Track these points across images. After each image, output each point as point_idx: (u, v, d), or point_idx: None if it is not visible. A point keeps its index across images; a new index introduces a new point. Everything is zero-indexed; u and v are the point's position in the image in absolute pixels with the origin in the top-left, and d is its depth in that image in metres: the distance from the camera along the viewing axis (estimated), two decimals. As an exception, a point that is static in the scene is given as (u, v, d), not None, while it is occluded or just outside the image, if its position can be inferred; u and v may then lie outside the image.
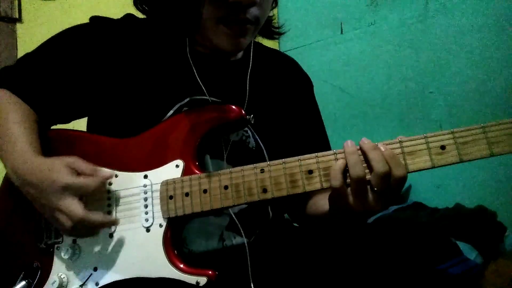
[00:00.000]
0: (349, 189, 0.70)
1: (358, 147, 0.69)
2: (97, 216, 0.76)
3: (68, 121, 0.96)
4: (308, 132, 1.02)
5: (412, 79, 1.98)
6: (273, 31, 1.03)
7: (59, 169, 0.76)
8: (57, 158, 0.79)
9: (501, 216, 1.59)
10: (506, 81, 1.68)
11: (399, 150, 0.68)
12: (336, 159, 0.70)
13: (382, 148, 0.68)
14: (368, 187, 0.69)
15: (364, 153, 0.69)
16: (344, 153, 0.70)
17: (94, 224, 0.76)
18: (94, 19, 0.93)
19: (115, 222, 0.79)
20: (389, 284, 1.04)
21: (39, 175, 0.76)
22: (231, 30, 0.84)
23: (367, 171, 0.68)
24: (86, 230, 0.77)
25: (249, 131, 0.90)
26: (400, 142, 0.68)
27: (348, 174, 0.69)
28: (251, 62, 0.96)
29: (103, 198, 0.82)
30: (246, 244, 0.84)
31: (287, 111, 0.99)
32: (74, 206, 0.74)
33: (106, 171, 0.81)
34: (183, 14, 0.84)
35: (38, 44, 0.93)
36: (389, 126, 2.06)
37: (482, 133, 0.65)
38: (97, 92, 0.88)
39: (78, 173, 0.77)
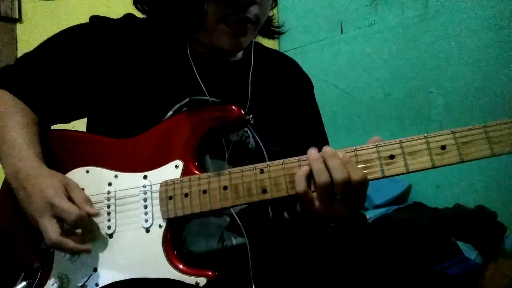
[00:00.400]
0: (315, 194, 0.71)
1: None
2: (70, 244, 0.75)
3: (68, 121, 0.96)
4: (308, 133, 1.01)
5: (412, 79, 1.98)
6: (273, 31, 1.02)
7: (55, 186, 0.77)
8: (59, 174, 0.80)
9: (501, 216, 1.59)
10: (506, 81, 1.68)
11: (399, 151, 0.68)
12: (300, 166, 0.72)
13: (340, 155, 0.70)
14: (333, 193, 0.70)
15: (324, 161, 0.70)
16: (308, 160, 0.71)
17: (67, 250, 0.77)
18: (94, 19, 0.93)
19: (88, 251, 0.78)
20: (390, 284, 1.04)
21: (33, 183, 0.77)
22: (231, 29, 0.84)
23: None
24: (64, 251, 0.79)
25: (249, 132, 0.90)
26: (400, 142, 0.68)
27: (312, 180, 0.71)
28: (252, 63, 0.96)
29: (102, 199, 0.82)
30: (247, 245, 0.84)
31: (288, 111, 0.99)
32: (50, 229, 0.74)
33: (95, 209, 0.79)
34: (186, 13, 0.84)
35: (38, 44, 0.93)
36: (389, 126, 2.06)
37: (483, 133, 0.65)
38: (97, 92, 0.88)
39: (70, 198, 0.78)
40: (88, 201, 0.79)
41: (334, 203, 0.71)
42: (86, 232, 0.79)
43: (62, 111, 0.92)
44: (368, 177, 0.69)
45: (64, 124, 0.97)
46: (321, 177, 0.69)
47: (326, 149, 0.71)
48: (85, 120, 0.97)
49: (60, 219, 0.75)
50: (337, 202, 0.71)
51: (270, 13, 0.97)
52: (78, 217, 0.75)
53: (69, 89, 0.89)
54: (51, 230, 0.74)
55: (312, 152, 0.71)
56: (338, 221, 0.76)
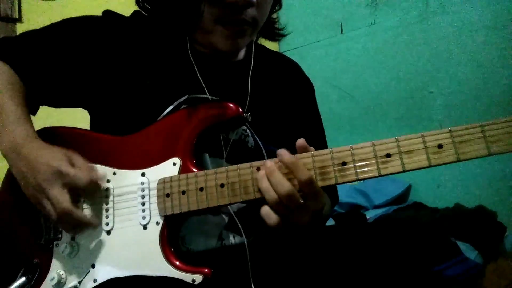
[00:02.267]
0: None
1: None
2: (80, 213, 0.76)
3: (57, 106, 0.95)
4: (306, 135, 1.02)
5: (412, 79, 1.98)
6: (275, 33, 1.03)
7: (57, 155, 0.76)
8: (57, 147, 0.79)
9: (501, 216, 1.59)
10: (506, 81, 1.68)
11: (395, 150, 0.68)
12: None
13: (286, 160, 0.68)
14: (285, 206, 0.69)
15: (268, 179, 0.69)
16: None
17: (78, 220, 0.76)
18: (107, 13, 0.93)
19: (96, 224, 0.79)
20: (389, 284, 1.04)
21: (36, 156, 0.76)
22: (228, 31, 0.84)
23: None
24: (70, 225, 0.77)
25: (248, 131, 0.90)
26: (397, 141, 0.68)
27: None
28: (252, 63, 0.96)
29: (100, 196, 0.82)
30: (246, 244, 0.84)
31: (287, 112, 0.99)
32: (61, 197, 0.74)
33: (101, 172, 0.80)
34: (183, 13, 0.84)
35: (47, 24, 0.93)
36: (389, 125, 2.06)
37: (480, 132, 0.64)
38: (96, 86, 0.89)
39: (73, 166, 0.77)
40: (92, 167, 0.80)
41: (292, 213, 0.70)
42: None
43: (54, 94, 0.91)
44: (365, 175, 0.69)
45: (63, 123, 0.97)
46: (270, 195, 0.69)
47: (266, 164, 0.70)
48: (84, 117, 0.97)
49: (69, 188, 0.75)
50: (296, 210, 0.69)
51: (274, 15, 0.97)
52: (89, 181, 0.76)
53: (67, 74, 0.89)
54: (63, 198, 0.74)
55: (260, 173, 0.70)
56: (303, 229, 0.74)
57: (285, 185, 0.67)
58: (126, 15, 0.96)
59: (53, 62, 0.88)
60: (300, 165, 0.68)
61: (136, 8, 0.94)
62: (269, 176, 0.69)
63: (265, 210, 0.70)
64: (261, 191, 0.70)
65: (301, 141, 0.71)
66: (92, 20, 0.92)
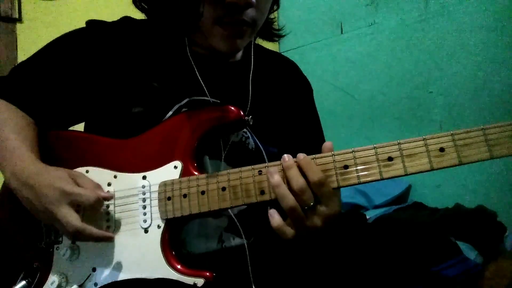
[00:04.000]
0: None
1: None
2: (93, 230, 0.75)
3: (65, 127, 0.95)
4: (306, 136, 1.02)
5: (412, 79, 1.98)
6: (273, 33, 1.02)
7: (61, 176, 0.76)
8: (60, 168, 0.79)
9: (501, 216, 1.59)
10: (506, 81, 1.68)
11: (397, 153, 0.67)
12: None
13: (301, 158, 0.69)
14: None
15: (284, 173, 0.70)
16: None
17: (90, 238, 0.76)
18: (91, 23, 0.92)
19: (110, 239, 0.78)
20: (389, 284, 1.04)
21: (39, 180, 0.76)
22: (227, 31, 0.84)
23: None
24: (81, 239, 0.77)
25: (248, 133, 0.90)
26: (399, 144, 0.68)
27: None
28: (252, 64, 0.96)
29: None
30: (246, 246, 0.84)
31: (287, 113, 0.99)
32: (70, 217, 0.73)
33: (106, 192, 0.80)
34: (182, 14, 0.84)
35: (38, 44, 0.92)
36: (389, 126, 2.06)
37: (482, 135, 0.64)
38: (96, 95, 0.88)
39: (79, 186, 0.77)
40: (98, 186, 0.80)
41: (305, 216, 0.70)
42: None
43: (59, 117, 0.92)
44: (366, 179, 0.69)
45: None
46: (280, 190, 0.69)
47: (285, 159, 0.70)
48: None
49: (76, 207, 0.75)
50: (308, 213, 0.70)
51: (272, 16, 0.97)
52: (96, 199, 0.76)
53: (67, 95, 0.89)
54: (73, 217, 0.73)
55: (275, 177, 0.70)
56: (314, 236, 0.74)
57: (299, 181, 0.68)
58: (117, 18, 0.95)
59: (51, 86, 0.88)
60: (314, 165, 0.69)
61: (132, 7, 0.93)
62: (286, 169, 0.69)
63: (278, 226, 0.71)
64: (273, 186, 0.70)
65: (329, 144, 0.72)
66: (77, 34, 0.91)
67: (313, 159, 0.71)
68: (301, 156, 0.70)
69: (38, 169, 0.78)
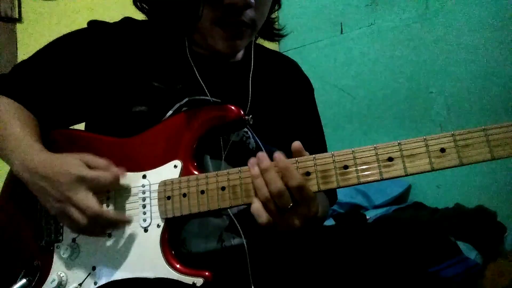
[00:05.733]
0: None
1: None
2: (111, 213, 0.76)
3: (67, 126, 0.95)
4: (306, 135, 1.02)
5: (412, 79, 1.98)
6: (274, 33, 1.02)
7: (73, 162, 0.76)
8: (69, 154, 0.79)
9: (501, 216, 1.59)
10: (506, 81, 1.68)
11: (398, 153, 0.67)
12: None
13: (281, 164, 0.69)
14: (277, 205, 0.69)
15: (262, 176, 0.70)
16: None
17: (109, 221, 0.75)
18: (92, 23, 0.93)
19: (129, 221, 0.78)
20: (389, 284, 1.04)
21: (52, 168, 0.75)
22: (226, 32, 0.84)
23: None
24: (97, 227, 0.76)
25: (249, 132, 0.90)
26: (399, 144, 0.68)
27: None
28: (252, 64, 0.96)
29: (102, 198, 0.82)
30: (245, 245, 0.84)
31: (287, 113, 0.99)
32: (90, 201, 0.73)
33: (118, 168, 0.79)
34: (181, 15, 0.84)
35: (38, 44, 0.92)
36: (389, 126, 2.06)
37: (483, 136, 0.63)
38: (96, 94, 0.88)
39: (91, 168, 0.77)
40: (109, 164, 0.78)
41: (283, 215, 0.69)
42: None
43: (60, 116, 0.92)
44: (366, 179, 0.68)
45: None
46: (262, 192, 0.69)
47: (262, 162, 0.70)
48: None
49: (94, 191, 0.74)
50: (287, 214, 0.69)
51: (273, 16, 0.97)
52: (114, 178, 0.76)
53: (68, 94, 0.89)
54: (91, 202, 0.73)
55: (255, 169, 0.70)
56: (295, 233, 0.74)
57: (277, 183, 0.68)
58: (117, 19, 0.95)
59: (52, 86, 0.88)
60: (293, 170, 0.68)
61: (133, 7, 0.93)
62: (264, 172, 0.69)
63: (256, 208, 0.70)
64: (254, 187, 0.70)
65: (297, 144, 0.71)
66: (79, 34, 0.92)
67: (294, 163, 0.70)
68: (280, 158, 0.70)
69: (49, 158, 0.77)
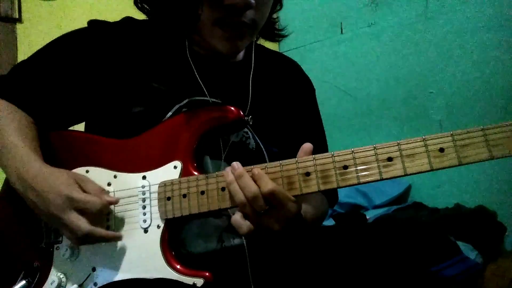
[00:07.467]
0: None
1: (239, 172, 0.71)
2: (103, 232, 0.76)
3: (66, 127, 0.95)
4: (307, 136, 1.02)
5: (412, 79, 1.98)
6: (276, 34, 1.02)
7: (67, 182, 0.76)
8: (65, 171, 0.79)
9: (501, 216, 1.59)
10: (506, 81, 1.68)
11: (397, 153, 0.67)
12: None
13: (255, 172, 0.70)
14: (253, 209, 0.70)
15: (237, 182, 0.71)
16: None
17: (99, 240, 0.76)
18: (93, 23, 0.92)
19: (119, 238, 0.79)
20: (389, 284, 1.04)
21: (44, 183, 0.76)
22: (227, 33, 0.84)
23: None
24: (91, 242, 0.78)
25: (249, 132, 0.90)
26: (398, 144, 0.68)
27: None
28: (253, 64, 0.96)
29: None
30: (245, 245, 0.84)
31: (288, 113, 0.99)
32: (79, 222, 0.74)
33: (111, 196, 0.80)
34: (181, 16, 0.84)
35: (38, 44, 0.92)
36: (389, 126, 2.06)
37: (482, 135, 0.63)
38: (96, 95, 0.88)
39: (84, 191, 0.77)
40: (103, 190, 0.80)
41: (261, 219, 0.71)
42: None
43: (59, 117, 0.91)
44: (366, 179, 0.69)
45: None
46: (237, 197, 0.70)
47: (237, 171, 0.71)
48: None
49: (82, 212, 0.75)
50: (263, 217, 0.70)
51: (274, 16, 0.96)
52: (102, 205, 0.76)
53: (67, 95, 0.89)
54: (81, 221, 0.73)
55: (229, 175, 0.72)
56: (275, 235, 0.75)
57: (252, 188, 0.69)
58: (117, 19, 0.95)
59: (52, 86, 0.88)
60: (264, 176, 0.69)
61: (133, 7, 0.93)
62: (238, 179, 0.70)
63: (234, 219, 0.72)
64: (230, 193, 0.71)
65: (307, 146, 0.72)
66: (79, 34, 0.91)
67: (263, 168, 0.71)
68: (255, 167, 0.71)
69: (43, 173, 0.77)
